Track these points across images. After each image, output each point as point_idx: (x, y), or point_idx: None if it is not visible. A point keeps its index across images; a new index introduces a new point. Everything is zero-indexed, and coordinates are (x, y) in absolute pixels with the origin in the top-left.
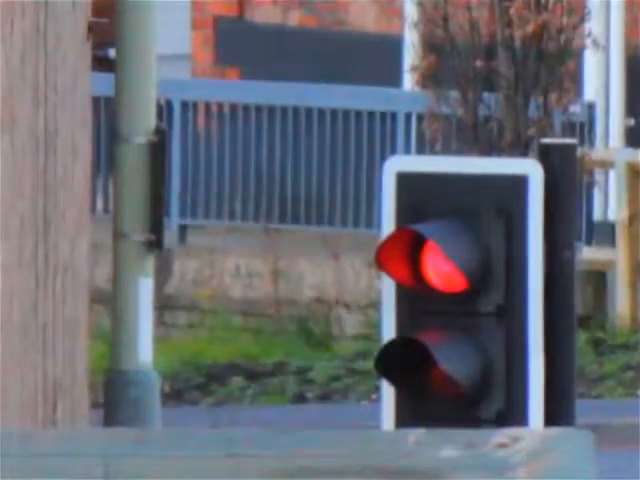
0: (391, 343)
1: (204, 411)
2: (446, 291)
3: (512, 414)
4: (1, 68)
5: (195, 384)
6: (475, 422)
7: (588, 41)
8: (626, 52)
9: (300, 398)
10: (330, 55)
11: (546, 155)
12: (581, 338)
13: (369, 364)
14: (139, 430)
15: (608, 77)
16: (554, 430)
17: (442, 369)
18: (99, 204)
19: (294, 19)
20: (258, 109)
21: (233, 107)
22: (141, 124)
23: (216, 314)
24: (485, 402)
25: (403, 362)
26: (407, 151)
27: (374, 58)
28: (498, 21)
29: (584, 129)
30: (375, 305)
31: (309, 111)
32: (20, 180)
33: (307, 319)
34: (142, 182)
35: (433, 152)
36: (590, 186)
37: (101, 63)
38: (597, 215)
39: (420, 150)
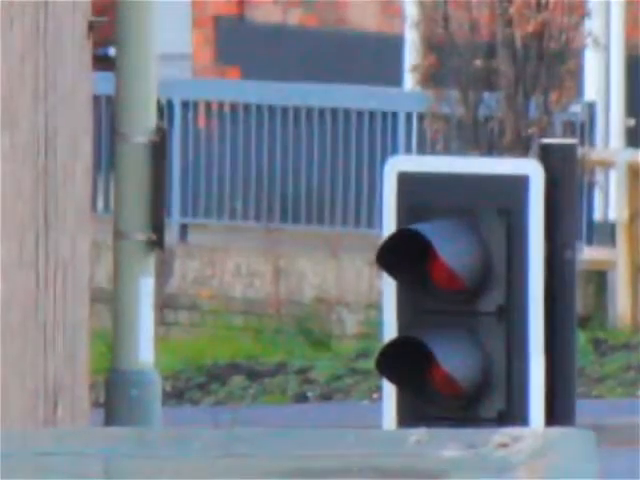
0: (392, 343)
1: (205, 411)
2: (447, 291)
3: (513, 414)
4: (1, 67)
5: (196, 384)
6: (476, 422)
7: (588, 40)
8: (627, 52)
9: (301, 398)
10: (330, 55)
11: (547, 155)
12: (581, 338)
13: (370, 364)
14: (140, 430)
15: (608, 77)
16: (555, 430)
17: (443, 369)
18: (100, 203)
19: (294, 18)
20: (259, 108)
21: (233, 106)
22: (142, 123)
23: (217, 313)
24: (486, 402)
25: (404, 362)
26: (408, 151)
27: (375, 58)
28: (498, 20)
29: (584, 129)
30: (376, 305)
31: (310, 111)
32: (20, 179)
33: (308, 319)
34: (143, 181)
35: (434, 152)
36: (590, 186)
37: (101, 62)
38: (597, 215)
39: (421, 150)
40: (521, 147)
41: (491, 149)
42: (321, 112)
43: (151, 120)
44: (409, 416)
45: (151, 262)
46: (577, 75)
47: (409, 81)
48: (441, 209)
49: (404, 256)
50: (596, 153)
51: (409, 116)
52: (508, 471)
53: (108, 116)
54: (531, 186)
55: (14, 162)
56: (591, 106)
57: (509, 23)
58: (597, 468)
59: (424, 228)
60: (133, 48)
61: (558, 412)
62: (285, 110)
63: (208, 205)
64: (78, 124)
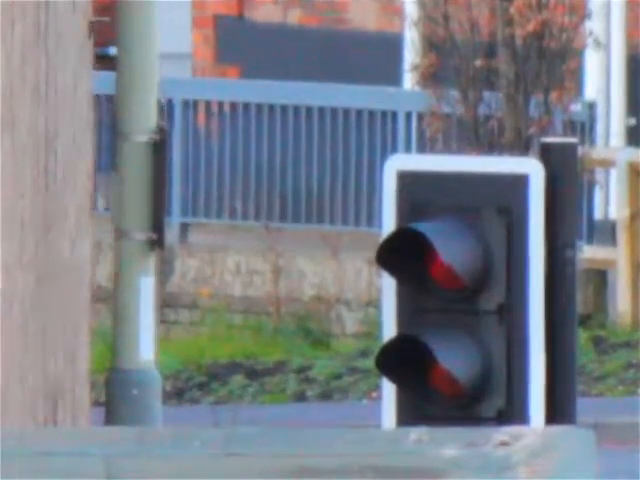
0: (392, 341)
1: (205, 410)
2: (447, 289)
3: (513, 412)
4: (2, 68)
5: (196, 383)
6: (476, 420)
7: (589, 40)
8: (627, 51)
9: (300, 397)
10: (330, 54)
11: (547, 154)
12: (582, 336)
13: (369, 362)
14: (140, 429)
15: (609, 76)
16: (555, 428)
17: (443, 367)
18: (100, 203)
19: (294, 18)
20: (258, 108)
21: (233, 106)
22: (142, 123)
23: (217, 312)
24: (486, 400)
25: (404, 360)
26: (408, 150)
27: (374, 57)
28: (499, 20)
29: (585, 128)
30: (375, 303)
31: (309, 110)
32: (21, 179)
33: (308, 317)
34: (143, 181)
35: (434, 151)
36: (591, 185)
37: (102, 62)
38: (598, 214)
39: (421, 149)
40: (521, 146)
41: (491, 148)
42: (321, 111)
43: (151, 119)
44: (409, 415)
45: (151, 261)
46: (578, 74)
47: (409, 80)
48: (441, 208)
49: (404, 255)
50: (597, 152)
51: (409, 115)
52: (508, 470)
53: (109, 115)
54: (531, 185)
55: (15, 162)
56: (592, 105)
57: (509, 22)
58: (597, 467)
59: (424, 227)
60: (134, 48)
61: (558, 411)
62: (285, 109)
63: (208, 204)
64: (79, 123)
